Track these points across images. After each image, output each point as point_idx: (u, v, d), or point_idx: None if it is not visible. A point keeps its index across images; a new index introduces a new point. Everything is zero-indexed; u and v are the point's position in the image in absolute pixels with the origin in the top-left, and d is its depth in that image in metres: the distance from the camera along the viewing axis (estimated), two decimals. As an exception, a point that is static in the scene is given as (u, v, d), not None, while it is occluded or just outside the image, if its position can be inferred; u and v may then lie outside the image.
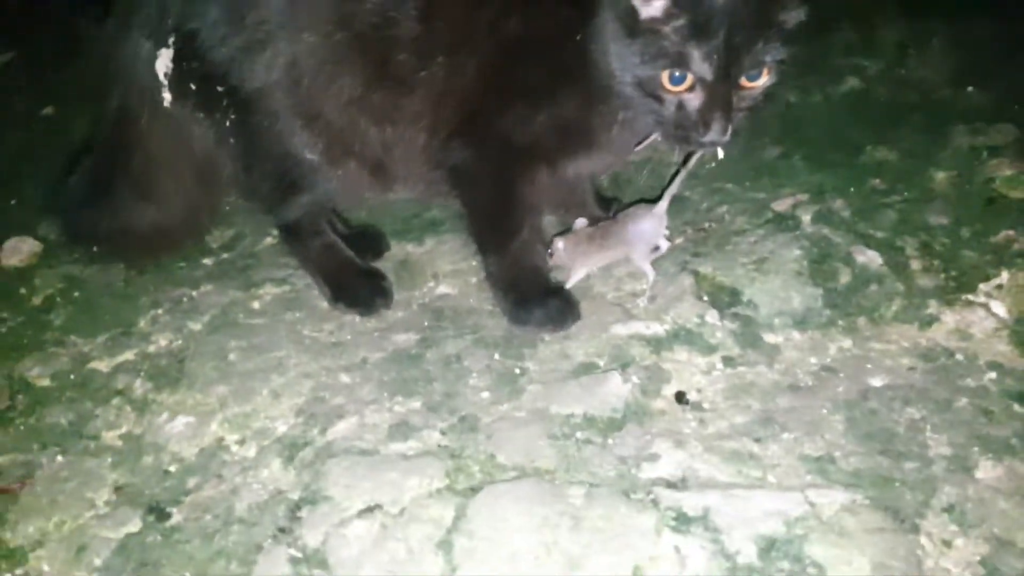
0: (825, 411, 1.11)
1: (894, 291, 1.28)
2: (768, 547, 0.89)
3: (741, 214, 1.49)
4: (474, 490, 0.99)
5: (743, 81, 1.05)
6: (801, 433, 1.07)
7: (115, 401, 1.26)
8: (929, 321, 1.22)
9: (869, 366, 1.17)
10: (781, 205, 1.50)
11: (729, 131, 1.06)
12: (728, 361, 1.22)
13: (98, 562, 0.98)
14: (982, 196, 1.45)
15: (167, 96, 1.24)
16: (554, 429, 1.09)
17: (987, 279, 1.26)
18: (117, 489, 1.09)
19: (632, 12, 1.03)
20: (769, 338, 1.25)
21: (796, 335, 1.25)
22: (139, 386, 1.29)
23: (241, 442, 1.16)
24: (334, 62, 1.17)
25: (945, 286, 1.28)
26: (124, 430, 1.21)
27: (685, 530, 0.92)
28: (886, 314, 1.26)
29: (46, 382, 1.34)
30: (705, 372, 1.20)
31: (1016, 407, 1.08)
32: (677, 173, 1.32)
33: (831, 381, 1.15)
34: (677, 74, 1.04)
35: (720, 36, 0.99)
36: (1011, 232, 1.34)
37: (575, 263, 1.36)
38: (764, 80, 1.06)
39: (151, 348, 1.39)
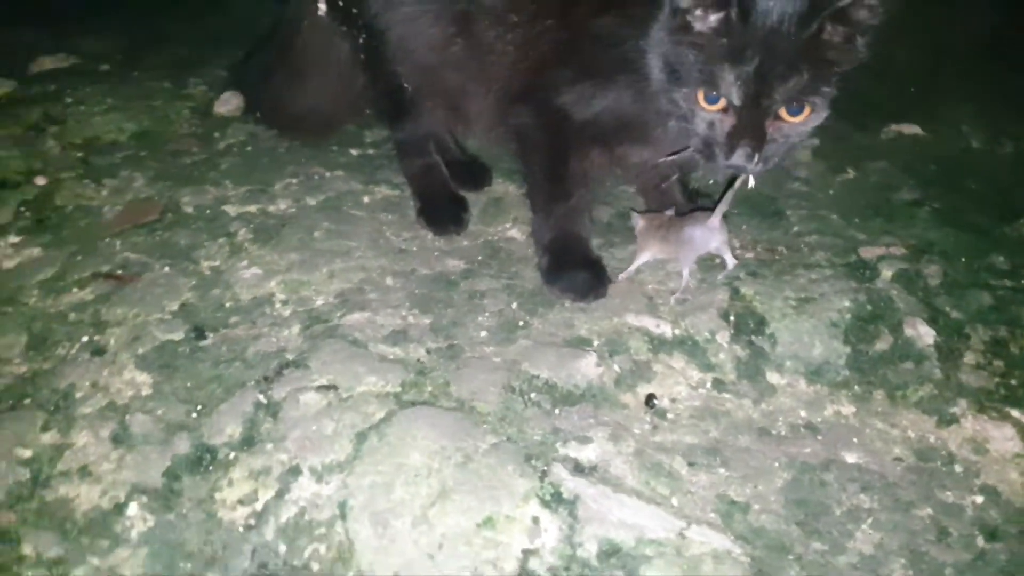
0: (777, 464, 1.09)
1: (929, 376, 1.18)
2: (609, 553, 0.94)
3: (824, 248, 1.42)
4: (412, 404, 1.12)
5: (783, 114, 1.02)
6: (737, 475, 1.07)
7: (221, 240, 1.54)
8: (950, 420, 1.12)
9: (855, 440, 1.12)
10: (870, 252, 1.40)
11: (756, 160, 1.04)
12: (718, 384, 1.21)
13: (140, 351, 1.26)
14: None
15: (322, 7, 1.44)
16: (514, 382, 1.18)
17: (1048, 403, 1.12)
18: (183, 306, 1.36)
19: (686, 25, 1.03)
20: (772, 377, 1.22)
21: (802, 384, 1.21)
22: (243, 234, 1.55)
23: (285, 303, 1.38)
24: (424, 9, 1.28)
25: (993, 391, 1.16)
26: (216, 263, 1.48)
27: (552, 507, 0.99)
28: (909, 396, 1.17)
29: (189, 209, 1.65)
30: (690, 386, 1.21)
31: (980, 541, 0.99)
32: (726, 191, 1.29)
33: (805, 440, 1.12)
34: (714, 93, 1.03)
35: (753, 63, 0.97)
36: None
37: (641, 246, 1.40)
38: (807, 116, 1.02)
39: (271, 207, 1.65)
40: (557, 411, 1.15)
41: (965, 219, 1.47)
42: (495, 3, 1.24)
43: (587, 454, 1.08)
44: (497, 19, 1.25)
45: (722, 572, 0.93)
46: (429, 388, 1.17)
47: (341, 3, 1.40)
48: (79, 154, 1.83)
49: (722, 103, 1.03)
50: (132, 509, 1.04)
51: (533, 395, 1.17)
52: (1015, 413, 1.12)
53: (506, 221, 1.59)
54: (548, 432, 1.11)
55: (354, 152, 1.87)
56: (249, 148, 1.88)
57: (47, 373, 1.24)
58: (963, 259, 1.38)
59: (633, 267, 1.39)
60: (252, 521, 1.02)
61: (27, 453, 1.11)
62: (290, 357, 1.23)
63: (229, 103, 2.08)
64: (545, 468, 1.03)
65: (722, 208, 1.28)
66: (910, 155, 1.67)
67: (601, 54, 1.19)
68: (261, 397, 1.16)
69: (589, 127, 1.25)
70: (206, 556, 0.99)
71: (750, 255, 1.43)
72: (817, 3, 0.99)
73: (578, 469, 1.05)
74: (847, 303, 1.27)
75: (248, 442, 1.11)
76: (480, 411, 1.12)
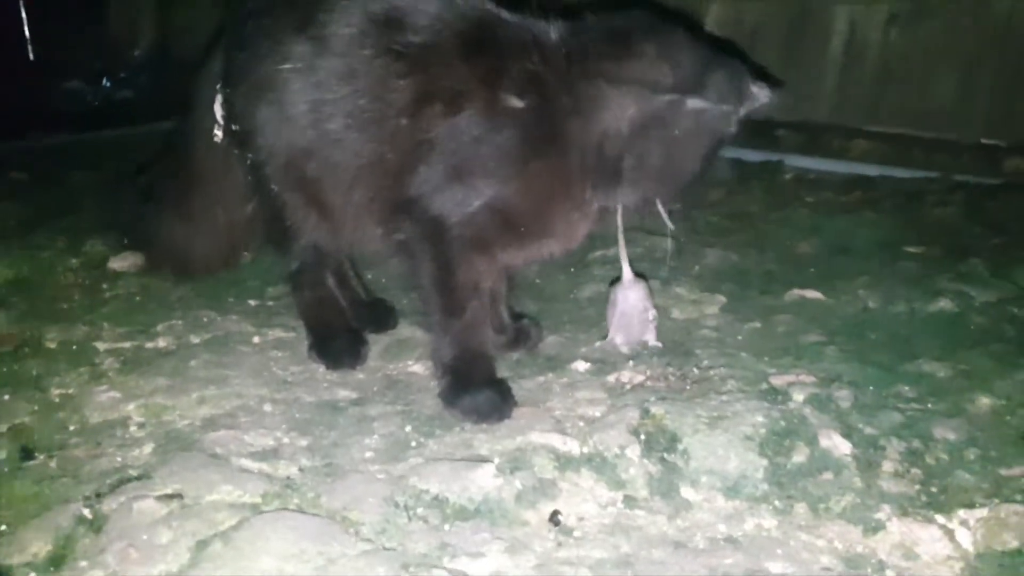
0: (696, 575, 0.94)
1: (849, 486, 1.09)
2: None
3: (735, 379, 1.36)
4: (270, 512, 0.94)
5: None
6: (654, 587, 0.91)
7: (82, 369, 1.38)
8: (876, 527, 1.01)
9: (779, 551, 0.98)
10: (780, 380, 1.36)
11: None
12: (630, 501, 1.08)
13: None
14: (1020, 430, 1.21)
15: (218, 132, 1.43)
16: (398, 497, 1.02)
17: (971, 506, 1.03)
18: (12, 428, 1.17)
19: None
20: (687, 492, 1.10)
21: (719, 499, 1.09)
22: (108, 364, 1.40)
23: (141, 425, 1.21)
24: (309, 122, 1.27)
25: (915, 497, 1.07)
26: (68, 391, 1.31)
27: (431, 616, 0.80)
28: (832, 507, 1.06)
29: (52, 344, 1.49)
30: (599, 504, 1.08)
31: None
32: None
33: (725, 552, 0.98)
34: None
35: None
36: (1031, 469, 1.10)
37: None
38: None
39: (148, 344, 1.52)
40: (447, 526, 0.99)
41: (869, 357, 1.46)
42: (351, 105, 1.22)
43: (479, 569, 0.91)
44: (355, 122, 1.23)
45: None
46: (296, 500, 1.00)
47: (234, 127, 1.39)
48: None
49: None
50: None
51: (420, 509, 1.01)
52: (940, 519, 1.02)
53: (409, 358, 1.49)
54: (434, 546, 0.94)
55: (252, 303, 1.77)
56: (137, 297, 1.78)
57: None
58: (871, 387, 1.34)
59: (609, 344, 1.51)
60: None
61: None
62: (133, 473, 1.05)
63: (125, 260, 1.99)
64: None
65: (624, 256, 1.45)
66: (814, 313, 1.70)
67: (471, 149, 1.18)
68: (86, 512, 0.96)
69: (468, 231, 1.21)
70: None
71: (661, 384, 1.36)
72: None
73: (466, 583, 0.87)
74: (760, 419, 1.19)
75: (56, 561, 0.89)
76: (352, 520, 0.96)
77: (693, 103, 1.18)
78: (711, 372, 1.40)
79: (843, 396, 1.30)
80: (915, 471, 1.12)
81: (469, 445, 1.17)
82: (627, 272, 1.50)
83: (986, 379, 1.37)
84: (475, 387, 1.25)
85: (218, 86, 1.40)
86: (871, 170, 2.79)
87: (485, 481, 1.06)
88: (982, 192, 2.47)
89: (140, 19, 4.27)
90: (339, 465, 1.10)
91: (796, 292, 1.82)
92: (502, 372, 1.38)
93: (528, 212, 1.21)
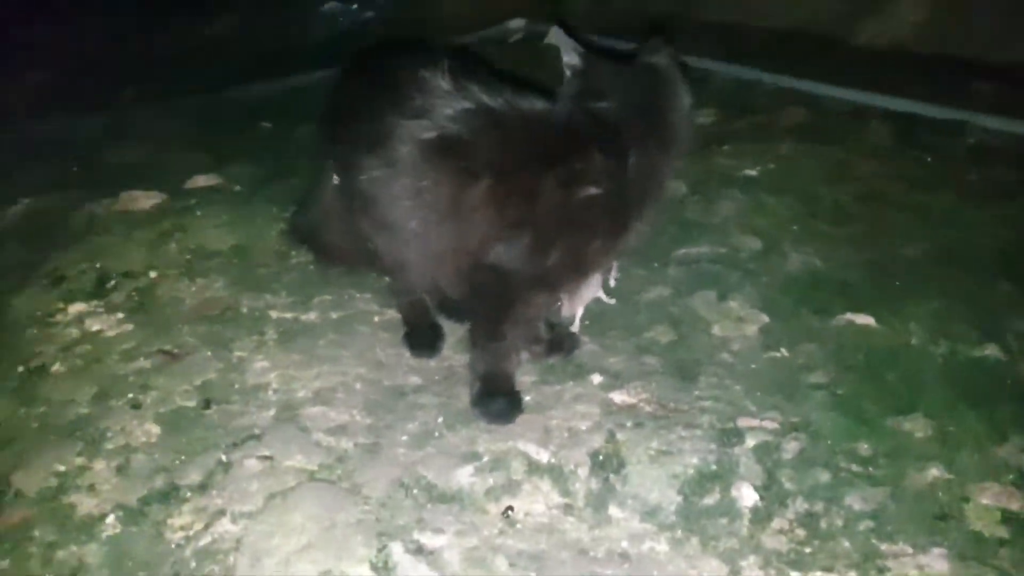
0: (584, 577, 1.33)
1: (737, 532, 1.38)
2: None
3: (711, 413, 1.64)
4: (317, 480, 1.48)
5: None
6: (545, 581, 1.32)
7: (254, 336, 1.99)
8: (737, 572, 1.32)
9: (656, 573, 1.33)
10: (745, 423, 1.61)
11: None
12: (567, 508, 1.47)
13: (162, 410, 1.71)
14: (941, 508, 1.40)
15: (335, 178, 1.88)
16: (405, 479, 1.51)
17: (829, 570, 1.29)
18: (204, 382, 1.82)
19: None
20: (613, 511, 1.46)
21: (635, 520, 1.44)
22: (270, 334, 2.00)
23: (275, 391, 1.79)
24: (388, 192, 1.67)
25: (783, 553, 1.34)
26: (243, 354, 1.93)
27: (378, 572, 1.29)
28: (717, 547, 1.37)
29: (245, 310, 2.13)
30: (547, 506, 1.48)
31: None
32: None
33: (615, 564, 1.35)
34: None
35: None
36: (933, 548, 1.32)
37: None
38: None
39: (303, 316, 2.09)
40: (428, 506, 1.46)
41: (856, 406, 1.63)
42: (426, 211, 1.58)
43: (433, 542, 1.38)
44: (432, 220, 1.60)
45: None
46: (338, 472, 1.52)
47: (337, 180, 1.84)
48: (188, 257, 2.39)
49: None
50: (110, 519, 1.46)
51: (415, 491, 1.49)
52: (794, 574, 1.29)
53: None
54: (412, 520, 1.42)
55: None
56: (311, 267, 2.38)
57: (98, 416, 1.72)
58: (828, 441, 1.55)
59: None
60: (182, 542, 1.40)
61: (61, 468, 1.57)
62: (256, 432, 1.63)
63: (309, 229, 2.60)
64: (387, 544, 1.34)
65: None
66: (847, 342, 1.85)
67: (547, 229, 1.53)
68: (223, 457, 1.56)
69: (534, 282, 1.58)
70: (142, 561, 1.38)
71: (646, 408, 1.69)
72: None
73: (418, 551, 1.35)
74: (695, 461, 1.50)
75: (202, 487, 1.50)
76: (364, 493, 1.46)
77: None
78: (696, 404, 1.69)
79: (791, 448, 1.54)
80: (800, 531, 1.38)
81: (473, 442, 1.61)
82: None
83: (959, 447, 1.52)
84: (495, 395, 1.68)
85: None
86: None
87: (466, 475, 1.51)
88: None
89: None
90: (380, 446, 1.60)
91: (848, 316, 1.96)
92: (534, 375, 1.79)
93: (584, 267, 1.57)
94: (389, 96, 1.59)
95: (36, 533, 1.43)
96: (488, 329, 1.68)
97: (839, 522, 1.39)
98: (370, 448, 1.60)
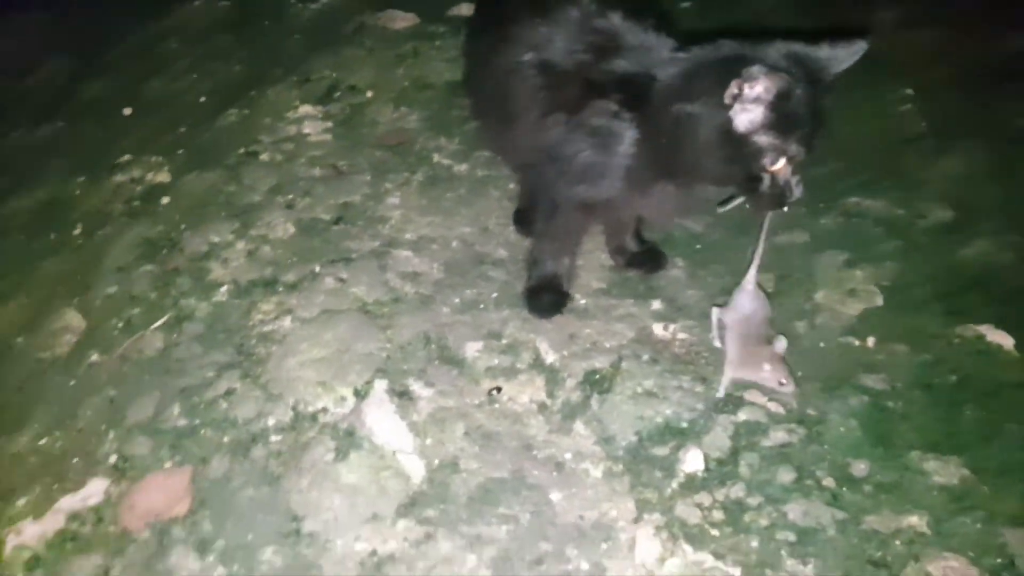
0: (507, 464, 1.50)
1: (662, 487, 1.44)
2: (356, 442, 1.52)
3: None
4: (365, 312, 1.79)
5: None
6: (478, 452, 1.52)
7: (405, 175, 2.29)
8: (636, 520, 1.39)
9: (576, 490, 1.46)
10: (753, 397, 1.57)
11: (801, 186, 1.38)
12: (543, 407, 1.61)
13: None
14: (883, 556, 1.31)
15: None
16: (431, 334, 1.74)
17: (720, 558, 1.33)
18: (343, 204, 2.17)
19: (727, 123, 1.33)
20: (577, 426, 1.57)
21: (589, 442, 1.54)
22: (418, 177, 2.28)
23: (391, 226, 2.09)
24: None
25: (689, 525, 1.38)
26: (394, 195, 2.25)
27: (358, 396, 1.59)
28: (639, 493, 1.45)
29: (418, 146, 2.43)
30: (528, 399, 1.62)
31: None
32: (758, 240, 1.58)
33: (545, 468, 1.50)
34: (776, 158, 1.34)
35: (807, 125, 1.32)
36: None
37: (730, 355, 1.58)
38: None
39: (477, 173, 2.31)
40: (435, 362, 1.70)
41: (889, 427, 1.48)
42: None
43: (417, 391, 1.63)
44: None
45: (397, 485, 1.45)
46: (385, 310, 1.81)
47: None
48: (405, 84, 2.58)
49: (783, 161, 1.34)
50: (223, 289, 1.92)
51: (432, 347, 1.73)
52: (686, 546, 1.33)
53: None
54: (417, 368, 1.68)
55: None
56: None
57: (261, 206, 2.17)
58: (825, 447, 1.45)
59: (726, 381, 1.56)
60: (256, 324, 1.82)
61: (216, 239, 2.05)
62: (351, 256, 1.96)
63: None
64: (372, 379, 1.62)
65: (757, 259, 1.57)
66: (948, 358, 1.61)
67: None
68: (317, 269, 1.92)
69: (569, 203, 1.65)
70: (227, 327, 1.82)
71: (677, 350, 1.70)
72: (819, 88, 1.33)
73: (399, 393, 1.62)
74: (669, 412, 1.52)
75: (291, 287, 1.89)
76: (389, 335, 1.74)
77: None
78: (723, 361, 1.66)
79: (776, 438, 1.49)
80: (717, 514, 1.38)
81: (504, 324, 1.77)
82: (752, 277, 1.58)
83: (966, 510, 1.36)
84: (541, 290, 1.80)
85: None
86: None
87: (478, 348, 1.71)
88: None
89: None
90: (433, 300, 1.84)
91: (980, 328, 1.70)
92: (603, 283, 1.87)
93: (613, 199, 1.59)
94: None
95: (178, 280, 1.94)
96: (538, 227, 1.79)
97: (763, 523, 1.36)
98: (424, 299, 1.84)
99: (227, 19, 3.28)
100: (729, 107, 1.30)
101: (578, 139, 1.56)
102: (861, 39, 1.38)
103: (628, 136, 1.50)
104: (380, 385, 1.62)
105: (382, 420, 1.56)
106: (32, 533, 1.45)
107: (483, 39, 1.80)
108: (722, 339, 1.61)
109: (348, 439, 1.53)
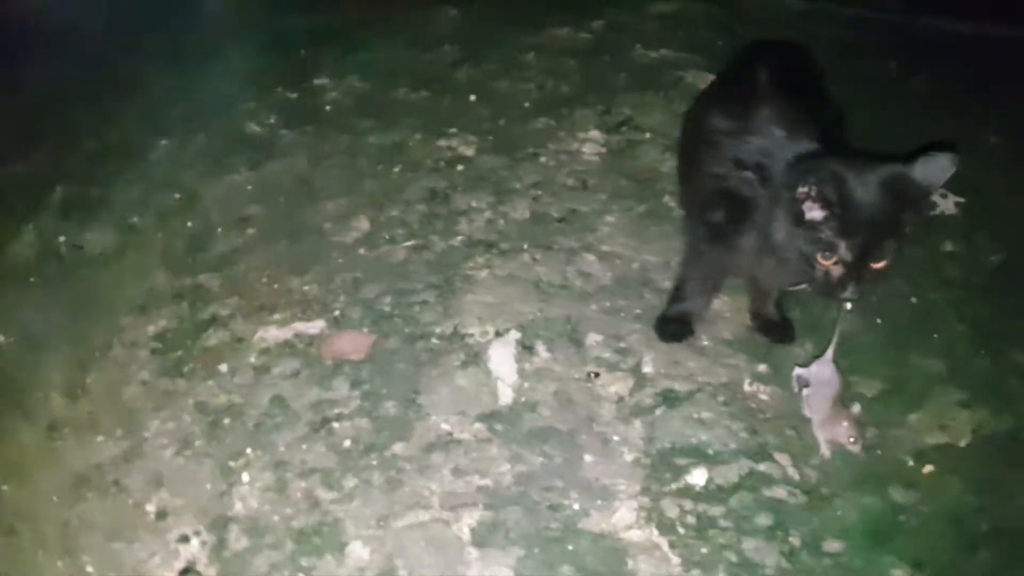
0: (591, 426, 1.96)
1: (663, 479, 1.78)
2: (467, 356, 2.09)
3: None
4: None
5: (871, 262, 1.57)
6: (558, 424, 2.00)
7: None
8: (611, 501, 1.77)
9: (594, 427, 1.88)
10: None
11: (857, 292, 1.58)
12: (619, 401, 2.02)
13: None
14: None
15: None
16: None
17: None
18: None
19: (800, 213, 1.59)
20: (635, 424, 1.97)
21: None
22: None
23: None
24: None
25: (669, 521, 1.72)
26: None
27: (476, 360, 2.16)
28: (642, 473, 1.81)
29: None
30: (618, 391, 2.04)
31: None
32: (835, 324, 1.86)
33: (583, 426, 1.93)
34: (829, 255, 1.56)
35: (861, 235, 1.53)
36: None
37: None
38: (885, 263, 1.60)
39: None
40: (564, 338, 2.18)
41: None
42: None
43: (537, 348, 2.13)
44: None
45: (488, 400, 1.99)
46: (552, 290, 2.33)
47: None
48: None
49: (835, 259, 1.55)
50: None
51: (568, 327, 2.22)
52: (653, 528, 1.68)
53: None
54: (547, 336, 2.18)
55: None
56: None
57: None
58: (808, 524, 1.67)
59: (822, 441, 1.81)
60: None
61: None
62: (575, 245, 2.52)
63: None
64: (512, 329, 2.17)
65: (835, 342, 1.83)
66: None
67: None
68: (536, 253, 2.52)
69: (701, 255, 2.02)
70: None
71: (752, 405, 1.99)
72: (897, 199, 1.54)
73: (524, 346, 2.14)
74: (704, 438, 1.85)
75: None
76: (542, 309, 2.26)
77: None
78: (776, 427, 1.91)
79: (779, 494, 1.74)
80: (691, 519, 1.70)
81: (631, 332, 2.19)
82: (831, 353, 1.82)
83: None
84: (672, 321, 2.18)
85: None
86: None
87: (596, 340, 2.16)
88: None
89: None
90: (589, 295, 2.31)
91: None
92: (730, 336, 2.20)
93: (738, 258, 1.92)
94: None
95: (436, 223, 2.66)
96: (682, 269, 2.17)
97: (720, 540, 1.64)
98: (583, 294, 2.32)
99: (579, 48, 3.97)
100: (802, 201, 1.59)
101: (723, 201, 1.93)
102: (948, 153, 1.52)
103: (758, 205, 1.84)
104: (514, 335, 2.16)
105: (503, 357, 2.10)
106: (271, 335, 2.24)
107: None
108: (809, 405, 1.83)
109: (474, 358, 2.10)
